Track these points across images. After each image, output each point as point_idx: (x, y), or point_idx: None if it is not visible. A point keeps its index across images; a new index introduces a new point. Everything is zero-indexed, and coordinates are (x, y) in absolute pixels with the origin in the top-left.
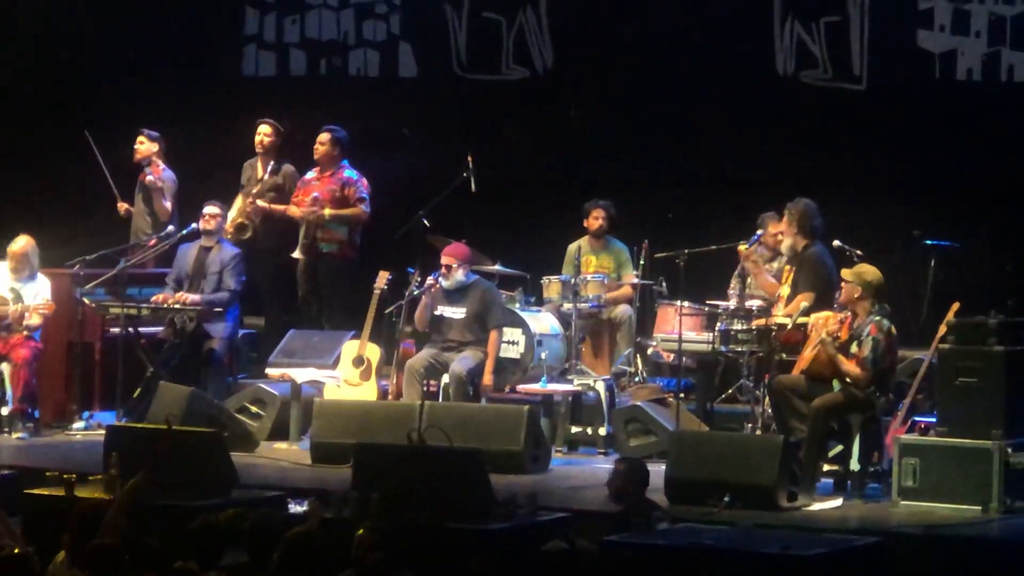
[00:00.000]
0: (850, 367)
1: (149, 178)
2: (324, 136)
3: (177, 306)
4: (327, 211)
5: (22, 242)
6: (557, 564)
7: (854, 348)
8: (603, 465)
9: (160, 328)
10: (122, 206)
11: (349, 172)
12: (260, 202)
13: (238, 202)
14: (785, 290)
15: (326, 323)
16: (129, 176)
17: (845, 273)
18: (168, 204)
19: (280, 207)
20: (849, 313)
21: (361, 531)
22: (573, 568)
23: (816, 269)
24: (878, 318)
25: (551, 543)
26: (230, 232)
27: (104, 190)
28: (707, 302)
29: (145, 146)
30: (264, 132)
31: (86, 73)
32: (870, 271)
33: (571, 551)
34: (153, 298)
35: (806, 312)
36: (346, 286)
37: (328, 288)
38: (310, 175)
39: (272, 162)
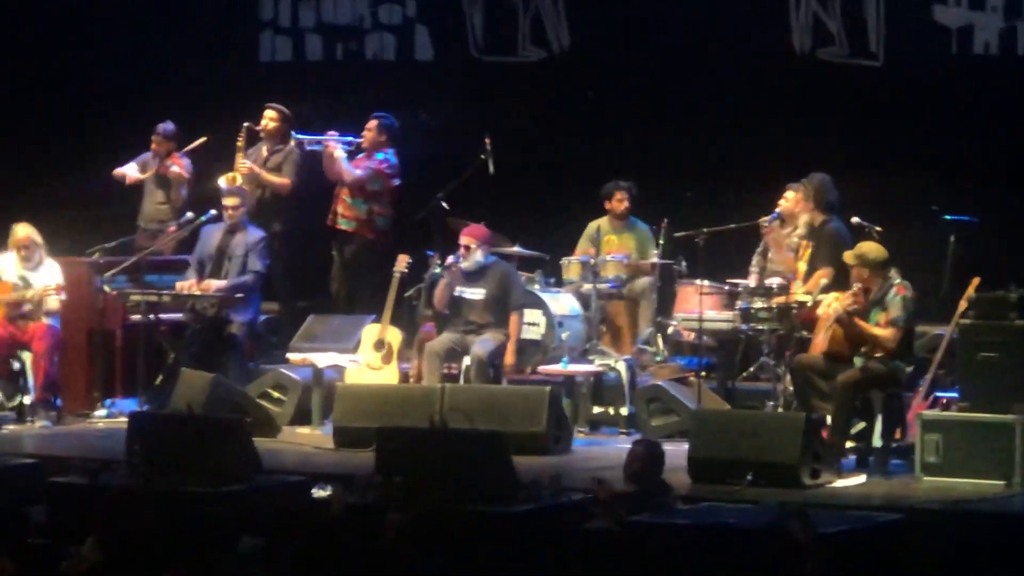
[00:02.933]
0: (880, 331)
1: (174, 170)
2: (371, 123)
3: (198, 293)
4: (265, 174)
5: (24, 229)
6: (595, 543)
7: (879, 316)
8: (626, 445)
9: (181, 314)
10: (120, 173)
11: (379, 154)
12: (249, 163)
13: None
14: (802, 266)
15: (354, 305)
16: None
17: (847, 258)
18: (185, 193)
19: (272, 177)
20: (859, 286)
21: (391, 517)
22: (608, 547)
23: (835, 244)
24: (899, 280)
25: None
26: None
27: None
28: (727, 280)
29: (162, 145)
30: (269, 117)
31: (98, 60)
32: (868, 247)
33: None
34: (177, 285)
35: (826, 289)
36: (364, 268)
37: (351, 269)
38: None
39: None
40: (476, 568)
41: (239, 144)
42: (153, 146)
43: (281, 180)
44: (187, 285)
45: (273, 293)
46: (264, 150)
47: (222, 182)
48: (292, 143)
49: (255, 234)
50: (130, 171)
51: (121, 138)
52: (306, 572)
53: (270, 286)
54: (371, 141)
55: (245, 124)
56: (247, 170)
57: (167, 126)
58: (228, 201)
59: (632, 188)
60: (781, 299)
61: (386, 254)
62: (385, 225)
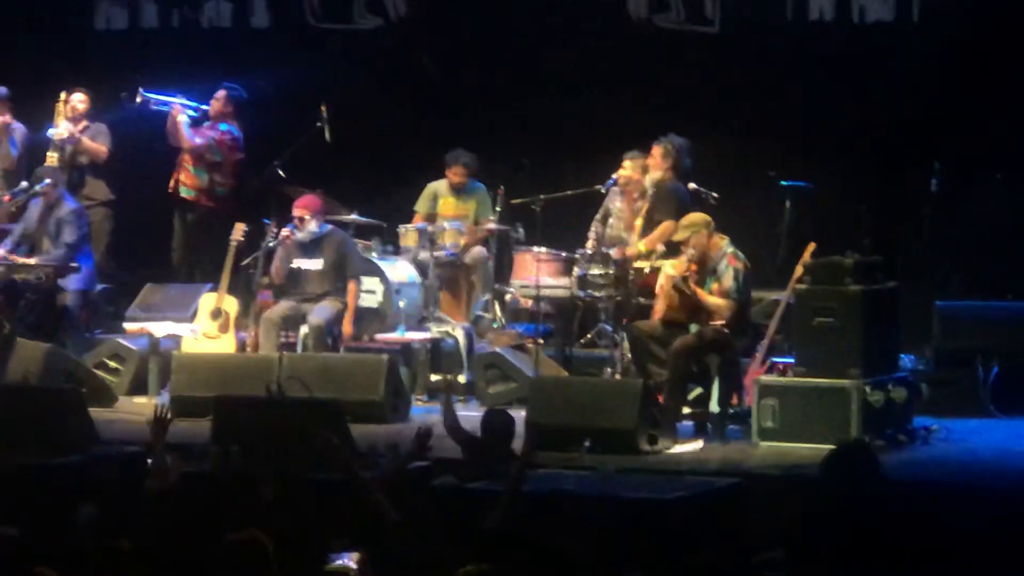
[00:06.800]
0: (714, 300)
1: (1, 120)
2: (220, 93)
3: (32, 262)
4: (86, 139)
5: None
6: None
7: (713, 285)
8: (464, 413)
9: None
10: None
11: (223, 125)
12: (72, 128)
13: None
14: (639, 222)
15: (195, 274)
16: None
17: (680, 235)
18: (16, 152)
19: (90, 143)
20: (692, 252)
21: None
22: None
23: (674, 198)
24: (732, 249)
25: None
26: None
27: None
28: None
29: None
30: (79, 99)
31: None
32: (696, 215)
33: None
34: None
35: (665, 255)
36: (204, 236)
37: (191, 237)
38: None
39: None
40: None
41: (59, 108)
42: None
43: (98, 146)
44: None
45: (111, 261)
46: (76, 128)
47: (51, 133)
48: (98, 123)
49: (68, 206)
50: None
51: None
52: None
53: (106, 256)
54: (218, 111)
55: (63, 93)
56: (70, 133)
57: (1, 89)
58: (42, 188)
59: (470, 162)
60: (620, 253)
61: (226, 223)
62: (225, 194)
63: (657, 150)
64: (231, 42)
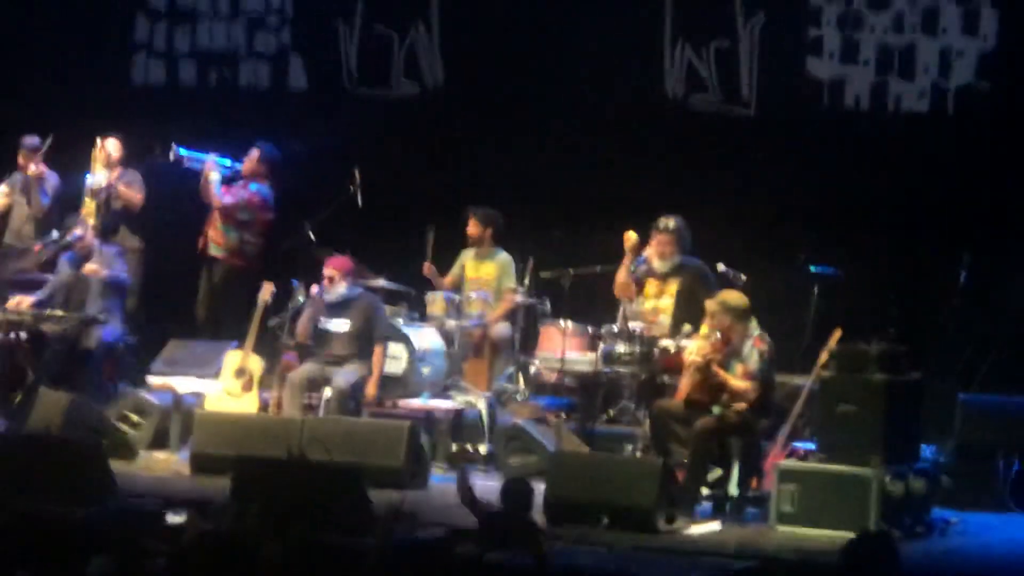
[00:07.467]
0: (738, 383)
1: (32, 169)
2: (253, 152)
3: (59, 313)
4: (122, 187)
5: None
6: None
7: (738, 368)
8: (483, 482)
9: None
10: None
11: (253, 185)
12: (109, 177)
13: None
14: (665, 303)
15: (220, 331)
16: None
17: (710, 305)
18: (47, 202)
19: (125, 190)
20: (719, 334)
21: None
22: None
23: (709, 277)
24: (758, 332)
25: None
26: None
27: None
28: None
29: (29, 158)
30: (113, 146)
31: None
32: (731, 296)
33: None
34: (8, 304)
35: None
36: (231, 295)
37: (218, 294)
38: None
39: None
40: None
41: (95, 155)
42: (20, 161)
43: (134, 193)
44: (16, 302)
45: (140, 312)
46: (112, 175)
47: (89, 180)
48: (132, 170)
49: (108, 250)
50: None
51: None
52: None
53: (137, 305)
54: (250, 170)
55: (98, 139)
56: (108, 181)
57: (32, 140)
58: (74, 241)
59: (483, 217)
60: (653, 333)
61: (253, 282)
62: (254, 254)
63: (666, 237)
64: (267, 102)
